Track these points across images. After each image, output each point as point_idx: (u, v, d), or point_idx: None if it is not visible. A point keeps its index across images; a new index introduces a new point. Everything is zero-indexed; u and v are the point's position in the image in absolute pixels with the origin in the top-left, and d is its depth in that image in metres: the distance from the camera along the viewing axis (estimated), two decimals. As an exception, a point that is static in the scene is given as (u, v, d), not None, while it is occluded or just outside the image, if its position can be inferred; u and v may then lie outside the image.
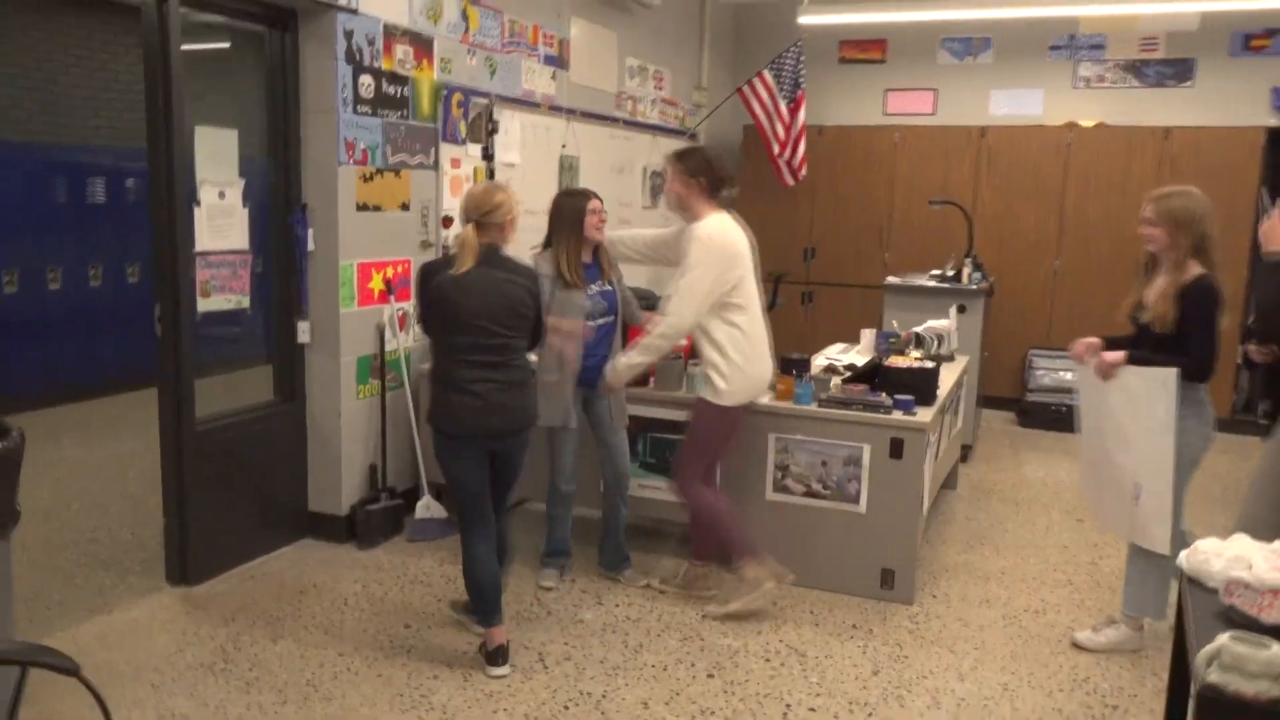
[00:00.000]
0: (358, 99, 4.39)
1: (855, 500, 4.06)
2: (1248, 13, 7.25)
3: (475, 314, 3.25)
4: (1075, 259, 7.64)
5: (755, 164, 8.16)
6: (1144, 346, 3.54)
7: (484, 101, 5.23)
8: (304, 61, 4.31)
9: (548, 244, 4.01)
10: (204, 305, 4.03)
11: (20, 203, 6.82)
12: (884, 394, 4.13)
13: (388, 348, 4.67)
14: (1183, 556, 2.37)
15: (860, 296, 8.14)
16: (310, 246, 4.37)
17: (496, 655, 3.39)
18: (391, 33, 4.56)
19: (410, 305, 4.80)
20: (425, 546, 4.55)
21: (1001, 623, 3.93)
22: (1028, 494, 5.67)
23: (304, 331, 4.42)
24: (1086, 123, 7.63)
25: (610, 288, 4.05)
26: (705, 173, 3.77)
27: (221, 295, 4.12)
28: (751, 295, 3.83)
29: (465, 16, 5.05)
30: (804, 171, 7.73)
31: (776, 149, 7.59)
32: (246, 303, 4.23)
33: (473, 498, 3.40)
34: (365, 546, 4.48)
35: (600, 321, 4.02)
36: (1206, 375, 3.44)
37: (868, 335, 5.51)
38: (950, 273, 6.59)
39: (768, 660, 3.55)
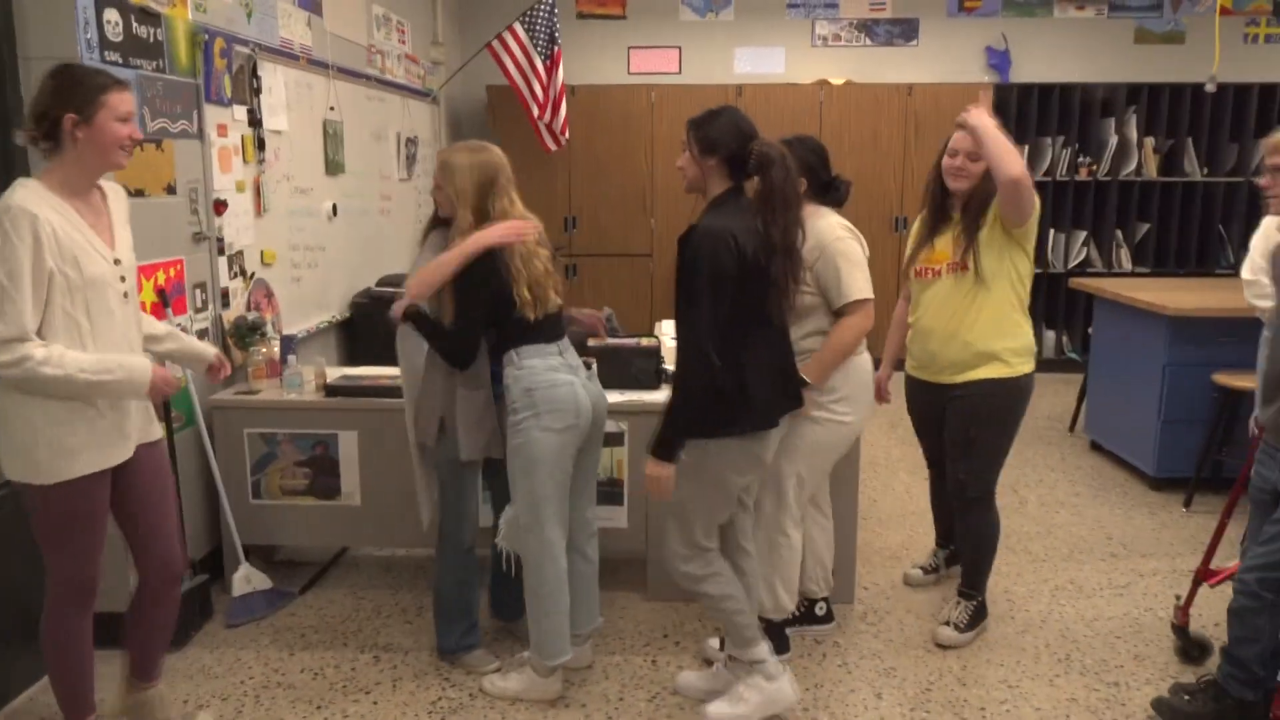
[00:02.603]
0: (104, 42, 3.18)
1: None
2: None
3: None
4: (832, 216, 7.70)
5: (505, 128, 7.43)
6: None
7: (245, 51, 4.10)
8: (23, -11, 3.04)
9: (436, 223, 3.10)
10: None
11: None
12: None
13: (169, 378, 3.51)
14: None
15: (628, 266, 7.75)
16: (54, 250, 3.12)
17: None
18: (135, -46, 3.37)
19: (188, 318, 3.66)
20: (257, 630, 3.51)
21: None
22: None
23: (55, 369, 3.17)
24: (836, 80, 7.70)
25: None
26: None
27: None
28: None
29: (213, -61, 3.91)
30: (566, 135, 7.12)
31: (536, 111, 6.89)
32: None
33: None
34: (174, 647, 3.35)
35: None
36: (460, 362, 2.92)
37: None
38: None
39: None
